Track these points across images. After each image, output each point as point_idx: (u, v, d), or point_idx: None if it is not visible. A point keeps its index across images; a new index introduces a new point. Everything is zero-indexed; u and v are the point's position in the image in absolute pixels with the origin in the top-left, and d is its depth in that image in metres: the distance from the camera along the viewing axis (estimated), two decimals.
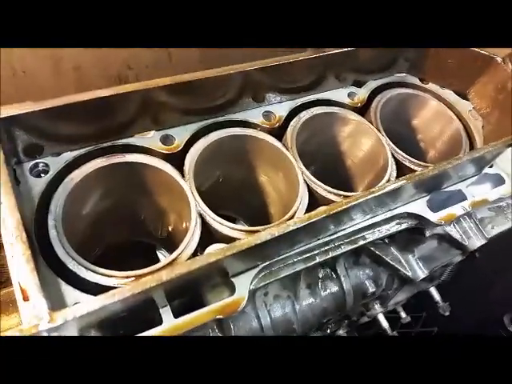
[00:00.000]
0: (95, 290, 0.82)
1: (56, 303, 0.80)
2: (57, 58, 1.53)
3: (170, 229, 1.22)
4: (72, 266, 0.86)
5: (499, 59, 1.26)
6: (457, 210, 1.19)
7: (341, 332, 1.68)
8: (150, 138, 1.05)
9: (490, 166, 1.29)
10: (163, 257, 1.33)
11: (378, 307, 1.53)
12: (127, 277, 0.86)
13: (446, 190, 1.21)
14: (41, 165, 0.96)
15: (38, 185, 0.93)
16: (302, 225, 0.86)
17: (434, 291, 1.61)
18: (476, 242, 1.25)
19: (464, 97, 1.38)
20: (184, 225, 1.09)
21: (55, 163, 0.97)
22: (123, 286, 0.84)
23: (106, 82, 1.66)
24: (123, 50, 1.59)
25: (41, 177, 0.95)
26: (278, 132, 1.18)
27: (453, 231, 1.25)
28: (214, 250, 0.81)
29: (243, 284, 0.94)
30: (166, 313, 0.87)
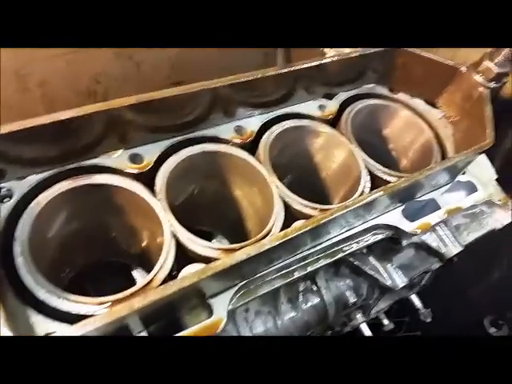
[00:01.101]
0: (68, 318, 0.79)
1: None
2: (22, 74, 1.49)
3: (143, 247, 1.20)
4: (42, 294, 0.82)
5: (464, 69, 1.28)
6: (432, 218, 1.20)
7: None
8: (118, 158, 1.01)
9: (463, 174, 1.31)
10: (139, 275, 1.29)
11: (360, 317, 1.53)
12: (101, 303, 0.83)
13: (420, 199, 1.23)
14: (3, 190, 0.92)
15: (2, 210, 0.89)
16: (278, 242, 0.85)
17: (415, 298, 1.62)
18: (453, 249, 1.27)
19: (434, 105, 1.40)
20: (158, 242, 1.06)
21: (19, 187, 0.93)
22: (97, 313, 0.81)
23: (75, 96, 1.63)
24: (91, 63, 1.58)
25: (4, 202, 0.91)
26: (251, 146, 1.17)
27: (429, 240, 1.27)
28: (189, 273, 0.79)
29: (221, 305, 0.92)
30: None
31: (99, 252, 1.23)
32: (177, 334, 0.87)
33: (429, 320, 1.69)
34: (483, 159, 1.35)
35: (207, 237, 1.03)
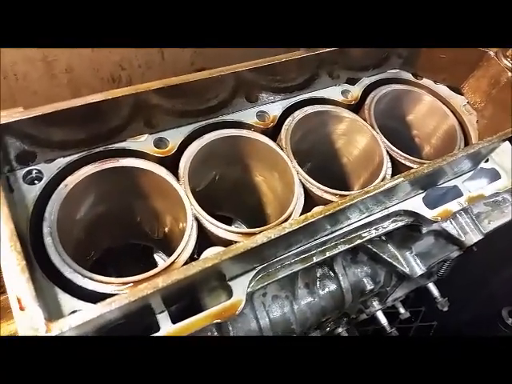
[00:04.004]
0: (92, 297, 0.82)
1: (53, 312, 0.80)
2: (49, 61, 1.52)
3: (166, 230, 1.22)
4: (68, 273, 0.85)
5: (492, 53, 1.25)
6: (453, 206, 1.19)
7: (340, 330, 1.68)
8: (143, 142, 1.04)
9: (486, 161, 1.29)
10: (160, 259, 1.32)
11: (376, 304, 1.53)
12: (124, 283, 0.86)
13: (441, 186, 1.21)
14: (34, 172, 0.95)
15: (32, 192, 0.93)
16: (298, 226, 0.86)
17: (432, 287, 1.61)
18: (473, 237, 1.26)
19: (458, 91, 1.38)
20: (180, 227, 1.08)
21: (48, 170, 0.96)
22: (120, 292, 0.83)
23: (99, 82, 1.65)
24: (115, 50, 1.59)
25: (34, 184, 0.94)
26: (273, 132, 1.18)
27: (449, 227, 1.26)
28: (211, 255, 0.80)
29: (240, 287, 0.94)
30: (164, 318, 0.87)
31: (123, 235, 1.26)
32: (196, 315, 0.90)
33: (446, 309, 1.68)
34: (507, 146, 1.32)
35: (226, 222, 1.05)
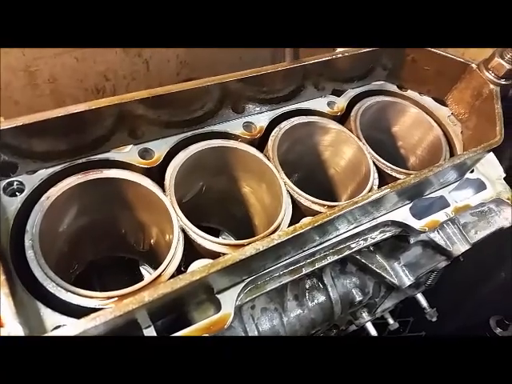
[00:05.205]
0: (76, 312, 0.80)
1: (35, 327, 0.78)
2: (31, 71, 1.50)
3: (152, 242, 1.20)
4: (51, 287, 0.83)
5: (474, 66, 1.28)
6: (440, 216, 1.20)
7: None
8: (128, 153, 1.02)
9: (471, 172, 1.30)
10: (146, 272, 1.30)
11: (365, 315, 1.53)
12: (109, 297, 0.84)
13: (428, 196, 1.22)
14: (15, 183, 0.93)
15: (13, 204, 0.90)
16: (287, 238, 0.85)
17: (420, 297, 1.61)
18: (460, 247, 1.27)
19: (442, 103, 1.40)
20: (166, 239, 1.07)
21: (30, 181, 0.94)
22: (105, 307, 0.81)
23: (83, 93, 1.64)
24: (100, 60, 1.58)
25: (16, 196, 0.92)
26: (260, 143, 1.18)
27: (437, 237, 1.26)
28: (198, 267, 0.79)
29: (229, 300, 0.92)
30: (150, 334, 0.85)
31: (108, 248, 1.23)
32: (184, 330, 0.88)
33: (434, 319, 1.68)
34: (491, 157, 1.34)
35: (214, 234, 1.03)
